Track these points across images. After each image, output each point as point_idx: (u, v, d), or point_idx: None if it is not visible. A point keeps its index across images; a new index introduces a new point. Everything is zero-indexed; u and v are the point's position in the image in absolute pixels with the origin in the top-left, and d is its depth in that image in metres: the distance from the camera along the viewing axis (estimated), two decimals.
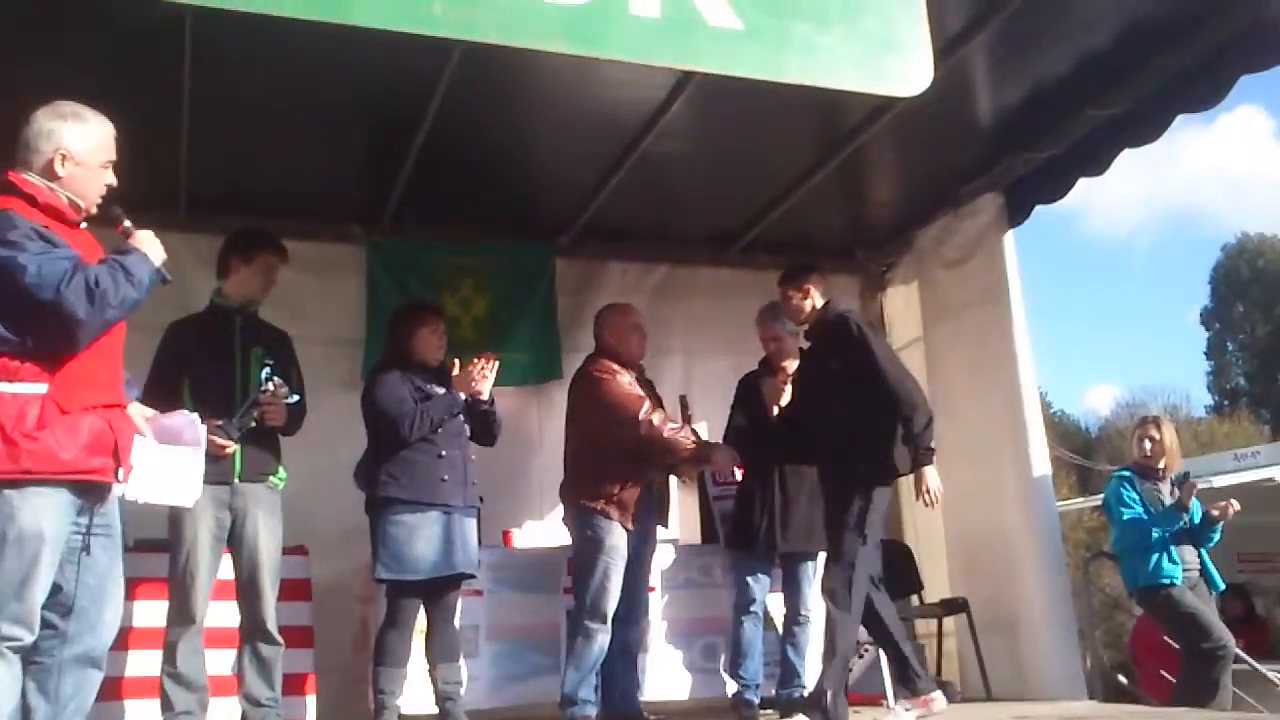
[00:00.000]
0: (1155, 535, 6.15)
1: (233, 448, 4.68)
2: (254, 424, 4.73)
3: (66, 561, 3.25)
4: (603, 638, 5.33)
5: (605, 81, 5.51)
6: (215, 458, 4.58)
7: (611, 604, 5.33)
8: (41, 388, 3.17)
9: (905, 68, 4.33)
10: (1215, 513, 6.23)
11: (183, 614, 4.70)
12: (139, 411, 3.80)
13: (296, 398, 4.85)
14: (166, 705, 4.65)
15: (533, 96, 5.64)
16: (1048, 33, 5.45)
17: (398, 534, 5.07)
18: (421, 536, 5.06)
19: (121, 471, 3.33)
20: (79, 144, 3.38)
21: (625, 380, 5.50)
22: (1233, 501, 6.27)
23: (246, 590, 4.82)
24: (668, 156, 6.30)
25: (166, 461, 3.95)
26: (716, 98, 5.55)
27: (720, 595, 6.16)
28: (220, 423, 4.62)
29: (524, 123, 5.92)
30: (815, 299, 5.52)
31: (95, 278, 3.17)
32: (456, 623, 5.29)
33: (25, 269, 3.13)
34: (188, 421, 4.06)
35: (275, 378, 4.75)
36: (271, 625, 4.81)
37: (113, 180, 3.47)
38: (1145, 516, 6.23)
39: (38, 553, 3.14)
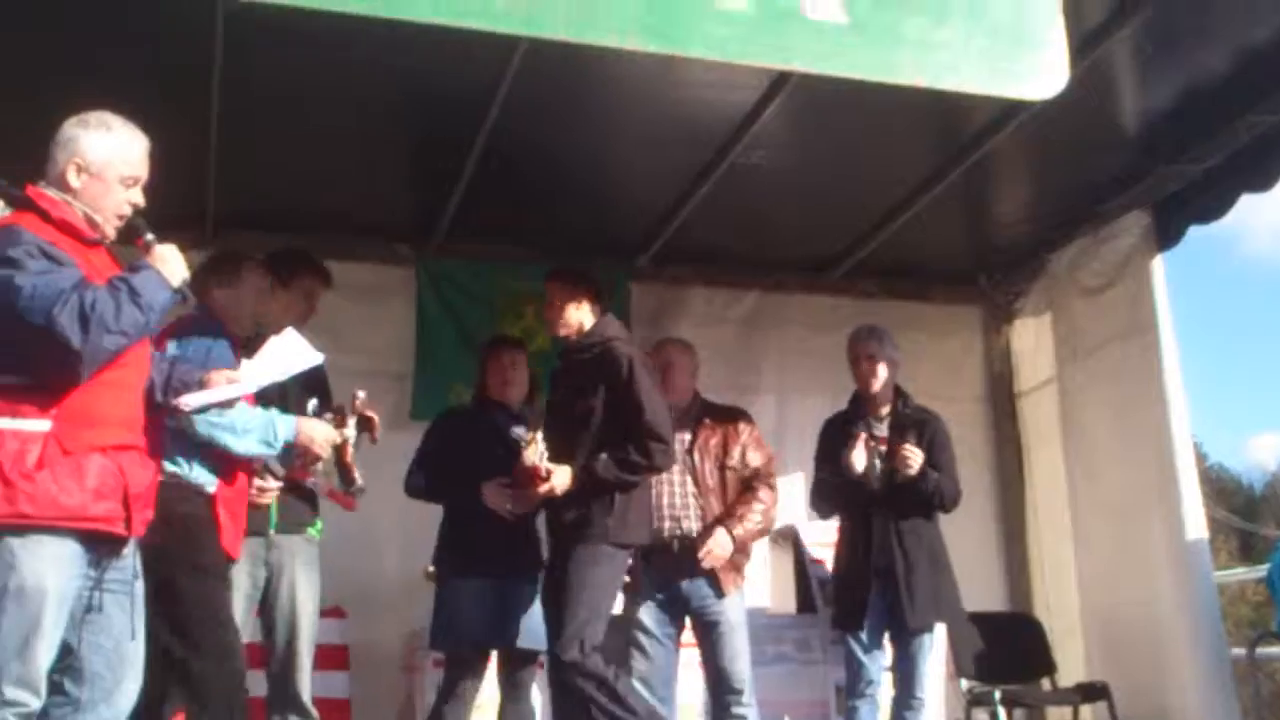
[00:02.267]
0: None
1: (272, 494, 4.67)
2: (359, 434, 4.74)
3: (76, 620, 3.29)
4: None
5: (688, 83, 5.52)
6: (251, 506, 4.63)
7: (640, 684, 5.26)
8: (45, 424, 3.21)
9: (1036, 66, 4.29)
10: None
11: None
12: (223, 374, 3.80)
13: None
14: None
15: (605, 101, 5.68)
16: (1204, 26, 5.37)
17: (454, 598, 5.10)
18: (481, 602, 5.08)
19: (134, 522, 3.36)
20: (96, 154, 3.42)
21: None
22: None
23: (280, 656, 4.83)
24: (760, 169, 6.30)
25: (273, 356, 3.97)
26: (816, 102, 5.54)
27: (820, 673, 6.10)
28: (267, 465, 4.61)
29: (595, 130, 5.96)
30: (586, 315, 5.16)
31: (92, 300, 3.18)
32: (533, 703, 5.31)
33: (21, 290, 3.17)
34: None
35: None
36: (306, 697, 4.83)
37: (137, 199, 3.50)
38: None
39: (40, 608, 3.17)
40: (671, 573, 5.41)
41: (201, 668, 4.04)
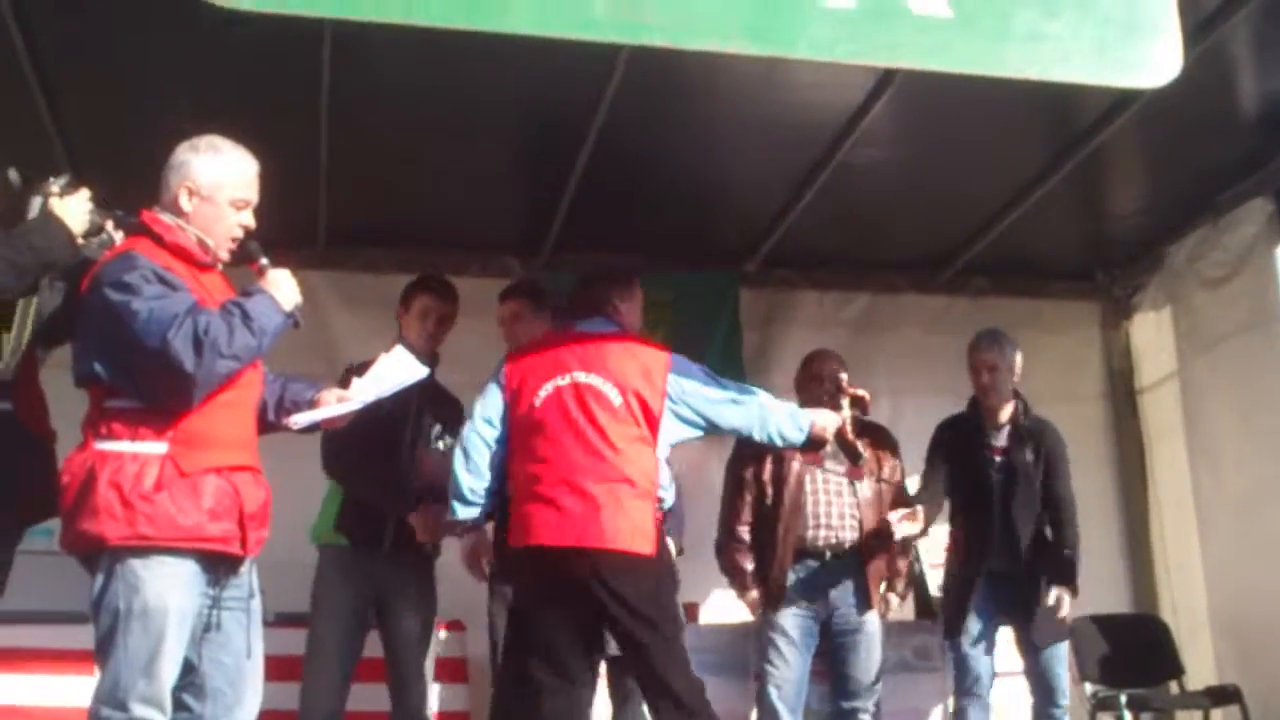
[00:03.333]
0: None
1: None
2: None
3: (197, 637, 3.33)
4: None
5: (793, 85, 5.47)
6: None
7: (776, 693, 5.38)
8: (161, 447, 3.25)
9: (1149, 55, 4.16)
10: None
11: (319, 699, 4.79)
12: (334, 393, 3.75)
13: None
14: None
15: (710, 106, 5.64)
16: None
17: None
18: None
19: (249, 542, 3.38)
20: (207, 177, 3.46)
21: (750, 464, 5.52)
22: None
23: (397, 671, 4.88)
24: (868, 168, 6.22)
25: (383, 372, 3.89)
26: (924, 98, 5.44)
27: (939, 680, 6.04)
28: None
29: (701, 136, 5.93)
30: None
31: (206, 325, 3.22)
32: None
33: (137, 314, 3.22)
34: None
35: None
36: (426, 711, 4.87)
37: (249, 222, 3.53)
38: None
39: (164, 627, 3.21)
40: (821, 582, 5.43)
41: None
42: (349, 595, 4.82)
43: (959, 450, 5.70)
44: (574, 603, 4.22)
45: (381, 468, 4.80)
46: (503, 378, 4.46)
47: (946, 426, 5.86)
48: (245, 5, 3.59)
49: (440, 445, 4.79)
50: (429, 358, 4.77)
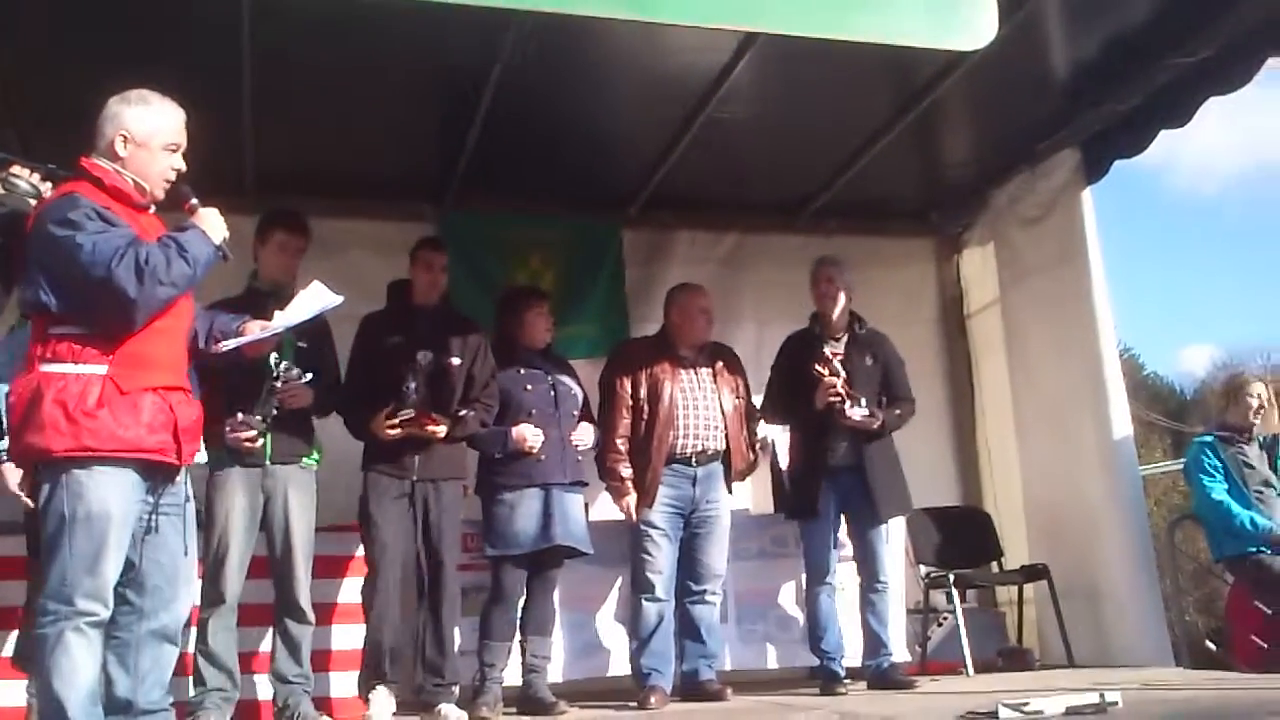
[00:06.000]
0: (1238, 515, 5.99)
1: (260, 440, 4.70)
2: (276, 410, 4.67)
3: (137, 539, 3.32)
4: (652, 608, 5.45)
5: (668, 48, 5.46)
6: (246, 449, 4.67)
7: (653, 574, 5.46)
8: (102, 369, 3.24)
9: (970, 20, 4.24)
10: None
11: (215, 593, 4.76)
12: (258, 324, 3.80)
13: (310, 375, 4.63)
14: (199, 681, 4.70)
15: (595, 65, 5.61)
16: None
17: (500, 512, 5.28)
18: (521, 513, 5.24)
19: (183, 453, 3.37)
20: (140, 126, 3.43)
21: (626, 383, 5.59)
22: None
23: (278, 568, 4.87)
24: (734, 122, 6.22)
25: (300, 304, 3.94)
26: (782, 59, 5.47)
27: (793, 565, 6.16)
28: (242, 418, 4.63)
29: (587, 92, 5.89)
30: None
31: (146, 255, 3.22)
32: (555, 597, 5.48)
33: (81, 247, 3.20)
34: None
35: (284, 362, 4.57)
36: (304, 602, 4.86)
37: (179, 164, 3.50)
38: (1228, 501, 6.01)
39: (106, 530, 3.21)
40: (688, 483, 5.56)
41: None
42: (242, 509, 4.77)
43: (803, 358, 5.80)
44: None
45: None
46: None
47: (792, 338, 6.00)
48: None
49: (279, 371, 4.59)
50: (284, 288, 4.65)
